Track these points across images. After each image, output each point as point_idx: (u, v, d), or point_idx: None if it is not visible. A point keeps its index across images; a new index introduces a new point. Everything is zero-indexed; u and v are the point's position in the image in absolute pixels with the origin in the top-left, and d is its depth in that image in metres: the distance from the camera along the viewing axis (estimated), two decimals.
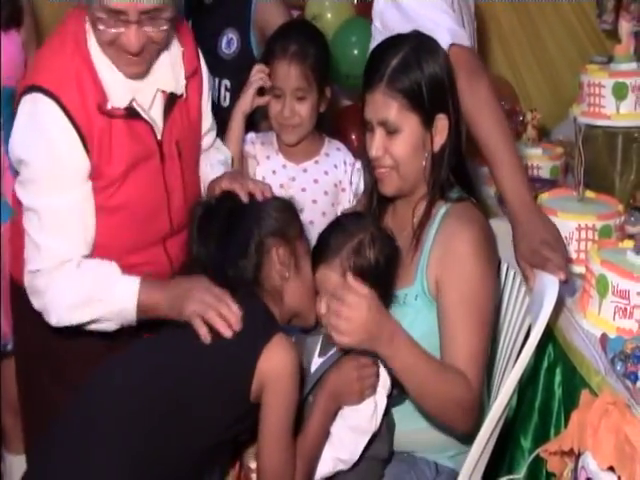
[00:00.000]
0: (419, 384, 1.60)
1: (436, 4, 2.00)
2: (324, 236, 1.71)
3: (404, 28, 1.87)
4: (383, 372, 1.66)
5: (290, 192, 2.14)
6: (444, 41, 1.88)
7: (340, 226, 1.72)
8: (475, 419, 1.66)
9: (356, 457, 1.64)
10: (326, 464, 1.63)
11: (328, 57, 2.18)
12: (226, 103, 2.62)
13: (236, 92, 2.30)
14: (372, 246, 1.66)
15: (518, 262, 1.80)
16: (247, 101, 2.14)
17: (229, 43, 2.62)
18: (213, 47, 2.61)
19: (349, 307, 1.52)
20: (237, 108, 2.17)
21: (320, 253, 1.68)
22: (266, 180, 2.17)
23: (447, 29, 1.92)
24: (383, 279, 1.67)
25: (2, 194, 2.24)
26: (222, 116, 2.41)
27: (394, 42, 1.79)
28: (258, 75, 2.13)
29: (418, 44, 1.75)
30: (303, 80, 2.08)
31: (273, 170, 2.18)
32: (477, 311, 1.67)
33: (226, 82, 2.58)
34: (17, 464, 2.30)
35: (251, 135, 2.22)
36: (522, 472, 1.70)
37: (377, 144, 1.74)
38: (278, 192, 2.14)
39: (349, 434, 1.63)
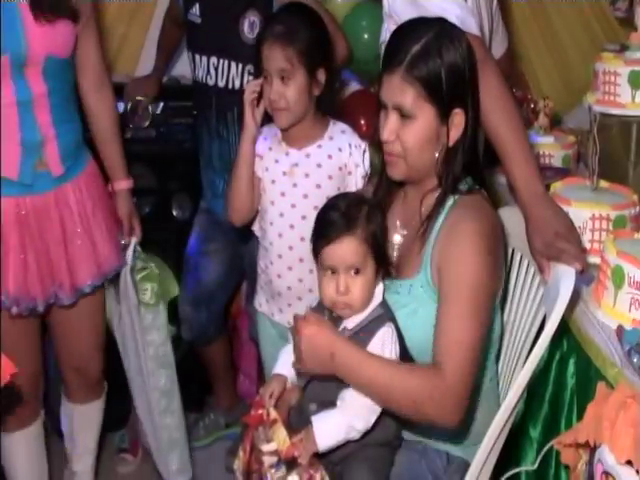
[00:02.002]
0: (377, 391, 1.59)
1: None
2: (332, 213, 1.69)
3: (411, 15, 1.84)
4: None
5: (294, 179, 2.14)
6: None
7: (345, 199, 1.73)
8: (457, 409, 1.58)
9: (369, 426, 1.63)
10: (338, 432, 1.61)
11: (322, 40, 2.13)
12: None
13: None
14: (375, 213, 1.69)
15: (533, 256, 1.78)
16: (252, 121, 2.12)
17: (252, 26, 2.56)
18: (235, 31, 2.56)
19: (298, 343, 1.63)
20: (246, 135, 2.13)
21: (338, 227, 1.66)
22: (269, 170, 2.15)
23: (455, 16, 1.88)
24: (385, 242, 1.71)
25: None
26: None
27: (417, 26, 1.73)
28: (249, 90, 2.11)
29: (441, 31, 1.70)
30: (285, 62, 2.04)
31: (276, 159, 2.15)
32: (470, 297, 1.62)
33: (249, 67, 2.52)
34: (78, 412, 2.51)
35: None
36: (535, 464, 1.69)
37: (390, 128, 1.70)
38: (281, 179, 2.15)
39: (363, 407, 1.62)
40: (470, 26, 1.92)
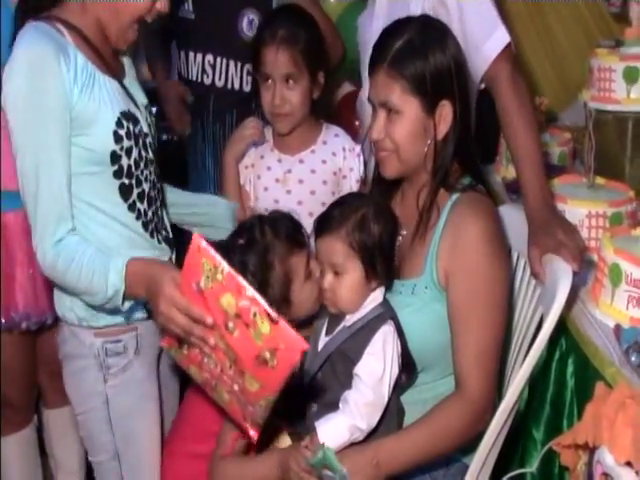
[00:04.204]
0: (430, 453, 1.64)
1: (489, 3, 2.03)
2: (329, 210, 1.72)
3: (459, 26, 1.94)
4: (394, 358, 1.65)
5: (287, 185, 2.12)
6: (505, 38, 1.97)
7: (343, 201, 1.75)
8: (489, 416, 1.65)
9: (372, 426, 1.63)
10: (342, 433, 1.61)
11: (320, 42, 2.12)
12: (248, 88, 2.56)
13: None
14: (375, 220, 1.67)
15: (529, 253, 1.76)
16: (239, 152, 2.11)
17: (250, 24, 2.52)
18: (233, 29, 2.52)
19: None
20: (228, 157, 2.12)
21: (325, 224, 1.68)
22: (262, 178, 2.13)
23: (505, 27, 1.97)
24: (385, 255, 1.68)
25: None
26: (244, 103, 2.32)
27: (401, 24, 1.75)
28: (250, 130, 2.09)
29: (425, 28, 1.72)
30: (292, 66, 2.02)
31: (268, 166, 2.13)
32: (487, 303, 1.65)
33: (249, 66, 2.48)
34: (52, 417, 2.49)
35: None
36: (535, 465, 1.68)
37: (378, 127, 1.71)
38: (274, 187, 2.12)
39: (366, 406, 1.62)
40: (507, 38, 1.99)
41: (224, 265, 1.39)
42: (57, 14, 1.67)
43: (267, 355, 1.39)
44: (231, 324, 1.41)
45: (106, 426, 1.78)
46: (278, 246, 1.72)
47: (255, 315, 1.36)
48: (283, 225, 1.75)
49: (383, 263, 1.67)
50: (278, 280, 1.70)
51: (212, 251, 1.40)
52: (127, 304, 1.63)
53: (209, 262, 1.40)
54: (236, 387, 1.49)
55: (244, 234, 1.75)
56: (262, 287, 1.63)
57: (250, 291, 1.37)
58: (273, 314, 1.35)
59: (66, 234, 1.62)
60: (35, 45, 1.59)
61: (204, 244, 1.41)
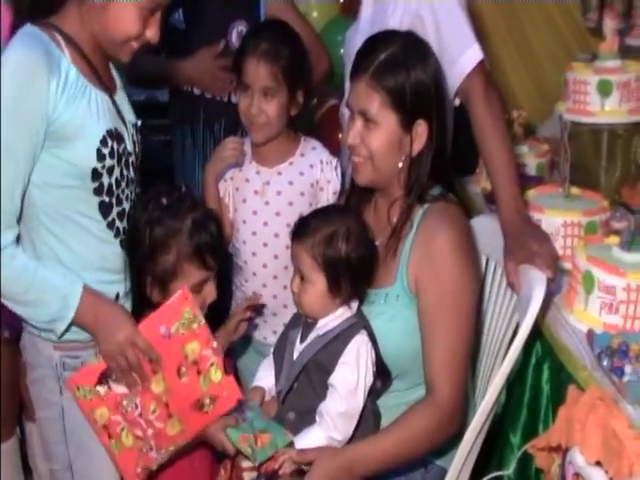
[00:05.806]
0: (396, 462, 1.67)
1: (465, 17, 2.05)
2: (307, 216, 1.77)
3: (435, 40, 1.94)
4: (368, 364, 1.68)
5: (265, 197, 2.15)
6: (478, 55, 2.00)
7: (323, 212, 1.79)
8: (459, 421, 1.69)
9: (348, 437, 1.66)
10: (320, 444, 1.64)
11: (302, 60, 2.14)
12: (235, 98, 2.58)
13: None
14: (345, 240, 1.69)
15: (505, 265, 1.80)
16: (219, 171, 2.13)
17: (239, 36, 2.52)
18: (222, 40, 2.54)
19: None
20: (208, 176, 2.13)
21: (299, 230, 1.73)
22: (240, 190, 2.15)
23: (479, 44, 2.00)
24: (353, 276, 1.70)
25: None
26: (232, 113, 2.34)
27: (387, 36, 1.79)
28: (229, 152, 2.09)
29: (410, 45, 1.75)
30: (271, 79, 2.05)
31: (246, 178, 2.15)
32: (456, 310, 1.68)
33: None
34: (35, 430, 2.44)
35: None
36: (511, 468, 1.71)
37: (354, 132, 1.75)
38: (252, 198, 2.14)
39: (340, 417, 1.65)
40: (480, 55, 2.01)
41: (201, 318, 1.67)
42: (56, 23, 1.69)
43: (207, 401, 1.68)
44: (184, 369, 1.66)
45: (61, 436, 1.79)
46: (184, 244, 1.74)
47: (212, 365, 1.67)
48: (205, 233, 1.76)
49: (349, 283, 1.69)
50: (163, 264, 1.74)
51: (196, 303, 1.67)
52: (63, 328, 1.68)
53: (190, 311, 1.65)
54: (150, 431, 1.68)
55: (174, 201, 1.78)
56: (148, 258, 1.75)
57: (216, 343, 1.68)
58: (227, 367, 1.67)
59: (11, 242, 1.64)
60: (26, 52, 1.61)
61: (191, 296, 1.66)
